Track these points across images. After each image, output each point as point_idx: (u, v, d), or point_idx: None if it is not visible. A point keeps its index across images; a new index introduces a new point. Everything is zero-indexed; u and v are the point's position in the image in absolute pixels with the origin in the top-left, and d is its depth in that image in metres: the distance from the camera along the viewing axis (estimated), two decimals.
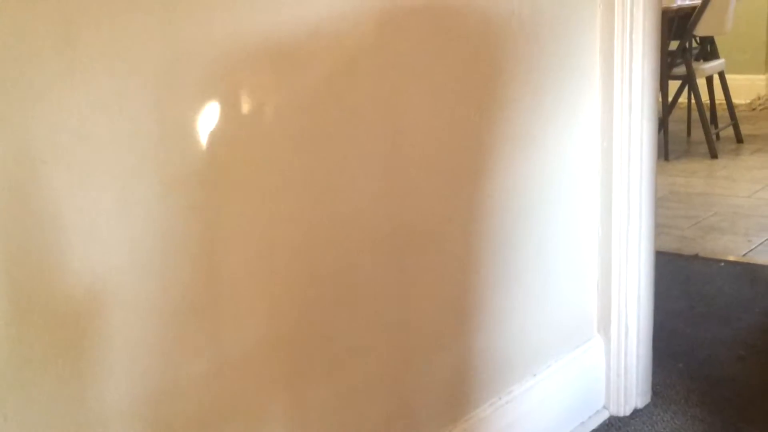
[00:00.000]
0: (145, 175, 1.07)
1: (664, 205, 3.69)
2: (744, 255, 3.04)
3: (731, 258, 3.02)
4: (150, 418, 1.12)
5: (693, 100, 4.81)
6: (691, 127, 5.20)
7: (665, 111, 4.71)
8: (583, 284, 1.93)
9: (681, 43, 4.69)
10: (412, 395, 1.52)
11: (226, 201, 1.17)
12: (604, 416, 1.96)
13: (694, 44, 4.86)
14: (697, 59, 4.89)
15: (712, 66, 4.89)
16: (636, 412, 1.98)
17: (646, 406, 2.01)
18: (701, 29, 4.66)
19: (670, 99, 4.79)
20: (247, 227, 1.20)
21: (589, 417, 1.94)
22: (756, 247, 3.11)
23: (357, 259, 1.38)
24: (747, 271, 2.89)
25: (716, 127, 5.05)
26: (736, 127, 5.00)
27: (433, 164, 1.49)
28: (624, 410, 1.98)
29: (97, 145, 1.02)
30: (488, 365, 1.68)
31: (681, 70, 4.71)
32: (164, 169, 1.09)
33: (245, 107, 1.18)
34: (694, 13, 4.63)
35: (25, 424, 0.99)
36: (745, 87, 6.17)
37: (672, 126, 4.84)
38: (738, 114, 5.08)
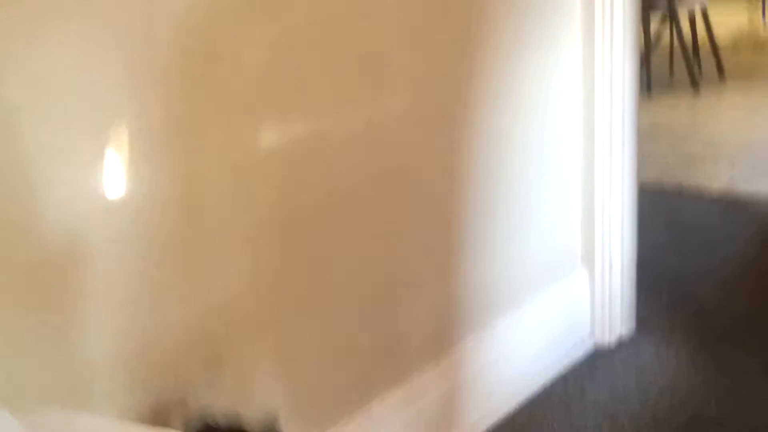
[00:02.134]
0: (123, 123, 1.06)
1: (647, 138, 3.69)
2: (727, 185, 3.05)
3: (714, 188, 3.03)
4: (138, 365, 1.12)
5: (675, 35, 4.79)
6: (674, 64, 5.18)
7: (647, 47, 4.69)
8: (566, 217, 1.94)
9: None
10: (398, 331, 1.54)
11: (207, 148, 1.16)
12: (590, 346, 1.99)
13: None
14: None
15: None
16: (621, 342, 2.01)
17: (631, 336, 2.03)
18: None
19: (653, 34, 4.76)
20: (229, 173, 1.20)
21: (575, 346, 1.96)
22: (738, 177, 3.13)
23: (339, 202, 1.38)
24: (729, 200, 2.91)
25: (699, 62, 5.03)
26: (718, 61, 4.99)
27: (414, 105, 1.48)
28: (609, 339, 2.00)
29: (74, 94, 1.00)
30: (473, 299, 1.69)
31: (663, 3, 4.68)
32: (143, 118, 1.08)
33: (222, 55, 1.16)
34: None
35: (10, 374, 0.99)
36: (727, 21, 6.14)
37: (655, 61, 4.82)
38: (720, 48, 5.06)
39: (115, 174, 1.06)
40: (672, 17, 4.69)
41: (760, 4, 6.24)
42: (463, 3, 1.55)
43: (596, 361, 1.93)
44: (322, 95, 1.32)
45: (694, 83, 4.63)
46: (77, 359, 1.05)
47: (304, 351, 1.37)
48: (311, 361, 1.38)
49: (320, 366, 1.40)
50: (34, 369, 1.01)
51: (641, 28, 4.54)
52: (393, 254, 1.50)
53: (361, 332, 1.46)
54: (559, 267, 1.93)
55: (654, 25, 4.78)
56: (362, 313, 1.46)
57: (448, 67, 1.54)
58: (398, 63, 1.44)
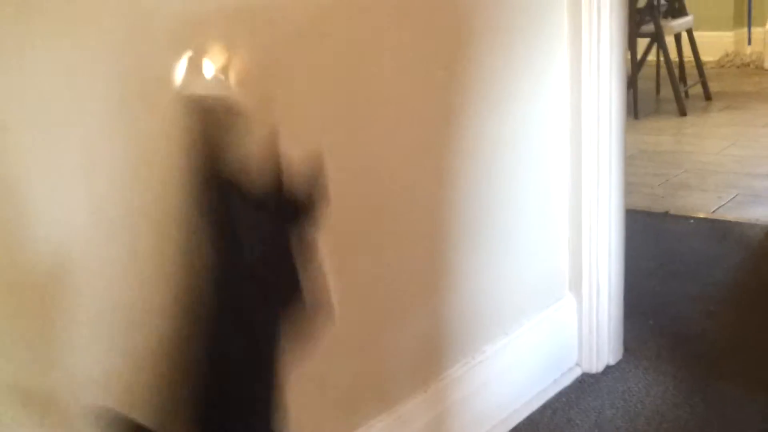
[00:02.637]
0: (110, 138, 1.04)
1: (633, 163, 3.70)
2: (713, 212, 3.06)
3: (701, 215, 3.04)
4: (124, 384, 1.10)
5: (662, 58, 4.82)
6: (660, 85, 5.21)
7: (634, 69, 4.71)
8: (554, 243, 1.93)
9: (649, 0, 4.68)
10: (383, 358, 1.52)
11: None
12: (577, 373, 1.98)
13: (663, 1, 4.85)
14: (665, 16, 4.88)
15: (680, 23, 4.88)
16: (608, 369, 2.00)
17: (618, 363, 2.02)
18: None
19: (639, 57, 4.79)
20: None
21: (562, 374, 1.95)
22: (725, 204, 3.13)
23: (324, 221, 1.36)
24: (716, 227, 2.91)
25: (685, 84, 5.06)
26: (704, 84, 5.01)
27: (399, 124, 1.48)
28: (596, 367, 1.99)
29: (60, 109, 0.99)
30: (460, 326, 1.68)
31: (649, 27, 4.70)
32: (130, 132, 1.06)
33: (211, 66, 1.15)
34: None
35: None
36: (713, 44, 6.19)
37: (641, 84, 4.84)
38: (706, 71, 5.09)
39: (100, 192, 1.04)
40: (659, 41, 4.71)
41: (746, 28, 6.29)
42: (450, 24, 1.54)
43: (583, 388, 1.92)
44: (304, 113, 1.31)
45: (681, 106, 4.65)
46: (62, 378, 1.03)
47: (289, 375, 1.35)
48: (294, 388, 1.36)
49: (304, 393, 1.38)
50: (16, 389, 0.99)
51: (628, 51, 4.56)
52: (377, 279, 1.48)
53: (346, 359, 1.44)
54: (546, 294, 1.92)
55: (640, 49, 4.80)
56: (346, 339, 1.44)
57: (432, 89, 1.53)
58: (383, 87, 1.43)
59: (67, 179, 1.01)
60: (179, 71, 1.04)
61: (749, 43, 6.27)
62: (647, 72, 5.08)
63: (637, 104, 4.70)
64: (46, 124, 0.98)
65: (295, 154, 1.04)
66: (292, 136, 1.28)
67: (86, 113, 1.02)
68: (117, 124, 1.05)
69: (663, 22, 4.74)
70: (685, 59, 5.10)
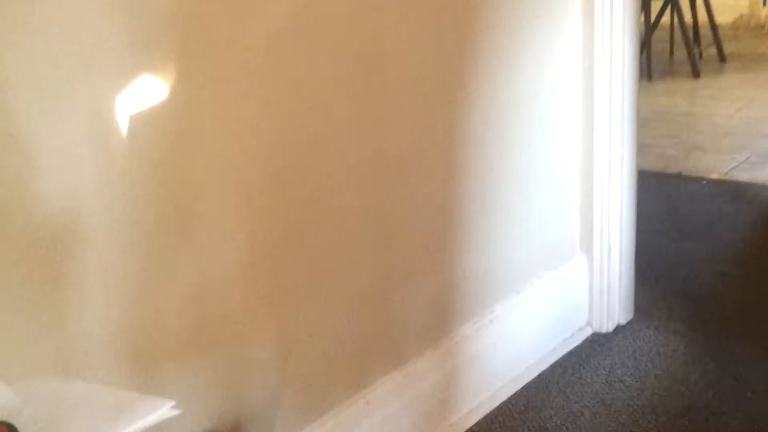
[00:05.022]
0: (118, 93, 1.04)
1: (647, 125, 3.68)
2: (726, 173, 3.05)
3: (714, 176, 3.02)
4: (133, 343, 1.11)
5: (676, 20, 4.77)
6: (674, 47, 5.17)
7: (648, 30, 4.67)
8: (565, 204, 1.93)
9: None
10: (396, 316, 1.53)
11: (202, 124, 1.15)
12: (588, 333, 1.98)
13: None
14: None
15: None
16: (619, 329, 2.00)
17: (629, 323, 2.03)
18: None
19: (653, 19, 4.74)
20: (224, 150, 1.18)
21: (573, 334, 1.96)
22: (738, 165, 3.12)
23: (336, 183, 1.37)
24: (729, 188, 2.90)
25: (699, 46, 5.01)
26: (718, 46, 4.97)
27: (412, 89, 1.47)
28: (607, 327, 2.00)
29: (68, 64, 0.99)
30: (471, 285, 1.68)
31: None
32: (138, 96, 1.07)
33: (218, 31, 1.15)
34: None
35: (2, 351, 0.99)
36: (728, 6, 6.12)
37: (655, 46, 4.80)
38: (721, 33, 5.04)
39: (109, 153, 1.05)
40: (673, 2, 4.66)
41: None
42: None
43: (594, 348, 1.93)
44: (319, 78, 1.31)
45: (695, 68, 4.61)
46: (71, 338, 1.04)
47: (301, 334, 1.36)
48: (308, 344, 1.38)
49: (317, 349, 1.39)
50: (26, 340, 1.00)
51: (642, 13, 4.52)
52: (391, 239, 1.49)
53: (359, 316, 1.45)
54: (557, 253, 1.92)
55: (654, 11, 4.76)
56: (360, 297, 1.45)
57: (444, 55, 1.53)
58: (394, 50, 1.43)
59: (75, 134, 1.01)
60: None
61: (764, 4, 6.19)
62: (661, 34, 5.04)
63: (651, 66, 4.66)
64: (54, 79, 0.98)
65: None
66: (309, 109, 1.28)
67: (94, 68, 1.02)
68: (125, 78, 1.05)
69: None
70: (700, 21, 5.05)
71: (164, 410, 0.77)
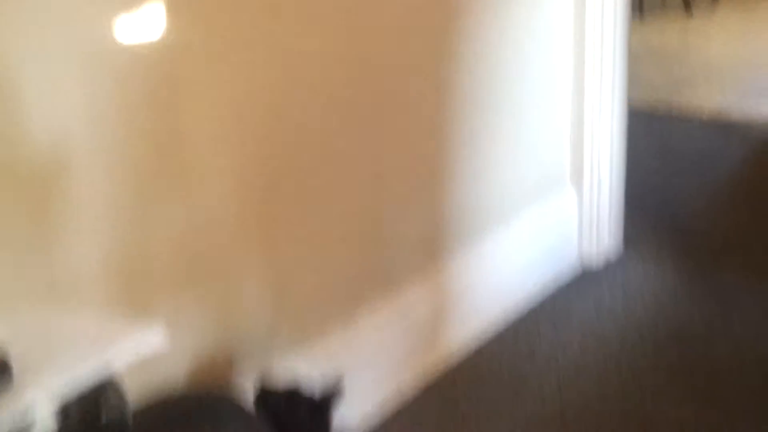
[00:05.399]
0: (109, 40, 1.03)
1: (639, 62, 3.65)
2: (718, 109, 3.04)
3: (706, 112, 3.01)
4: (124, 277, 1.11)
5: None
6: None
7: None
8: (556, 137, 1.92)
9: None
10: (387, 247, 1.53)
11: (193, 62, 1.13)
12: (577, 265, 1.99)
13: None
14: None
15: None
16: (608, 261, 2.01)
17: (619, 257, 2.03)
18: None
19: None
20: (213, 89, 1.17)
21: (563, 266, 1.96)
22: (730, 102, 3.11)
23: (327, 117, 1.35)
24: (720, 124, 2.90)
25: None
26: None
27: (403, 21, 1.46)
28: (596, 259, 2.00)
29: (56, 9, 0.97)
30: (462, 216, 1.68)
31: None
32: (129, 33, 1.05)
33: None
34: None
35: None
36: None
37: None
38: None
39: (99, 92, 1.04)
40: None
41: None
42: None
43: (583, 279, 1.94)
44: (306, 14, 1.29)
45: (687, 5, 4.57)
46: (62, 274, 1.04)
47: (292, 265, 1.36)
48: (299, 275, 1.38)
49: (309, 280, 1.39)
50: (17, 274, 1.00)
51: None
52: (382, 171, 1.49)
53: (350, 247, 1.46)
54: (547, 186, 1.92)
55: None
56: (351, 228, 1.45)
57: None
58: None
59: (65, 72, 1.00)
60: None
61: None
62: None
63: (643, 4, 4.62)
64: (42, 18, 0.97)
65: None
66: (299, 42, 1.27)
67: (83, 11, 1.00)
68: (115, 16, 1.04)
69: None
70: None
71: (154, 339, 0.77)
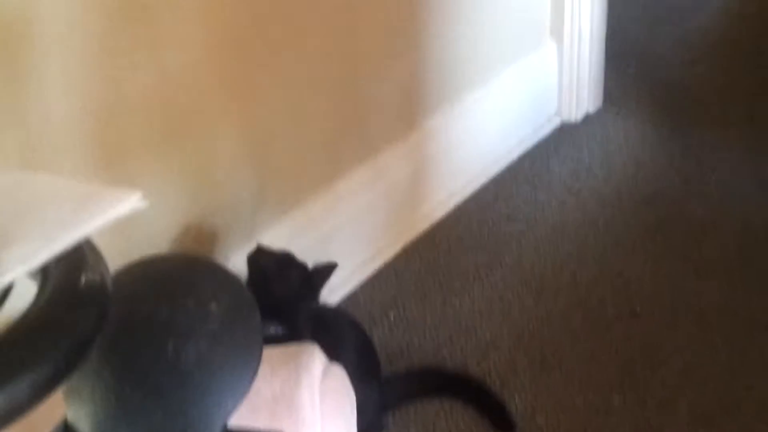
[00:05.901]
0: None
1: None
2: None
3: None
4: (97, 135, 1.07)
5: None
6: None
7: None
8: None
9: None
10: (363, 105, 1.50)
11: None
12: (557, 122, 1.96)
13: None
14: None
15: None
16: (588, 117, 1.99)
17: (598, 111, 2.01)
18: None
19: None
20: None
21: (542, 123, 1.94)
22: None
23: None
24: None
25: None
26: None
27: None
28: (576, 115, 1.98)
29: None
30: (439, 75, 1.64)
31: None
32: None
33: None
34: None
35: None
36: None
37: None
38: None
39: None
40: None
41: None
42: None
43: (562, 137, 1.92)
44: None
45: None
46: (33, 128, 1.00)
47: (269, 126, 1.33)
48: (276, 136, 1.35)
49: (285, 143, 1.37)
50: None
51: None
52: (359, 28, 1.43)
53: (326, 108, 1.42)
54: (527, 40, 1.87)
55: None
56: (327, 88, 1.41)
57: None
58: None
59: None
60: None
61: None
62: None
63: None
64: None
65: None
66: None
67: None
68: None
69: None
70: None
71: (132, 201, 0.73)
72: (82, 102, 1.04)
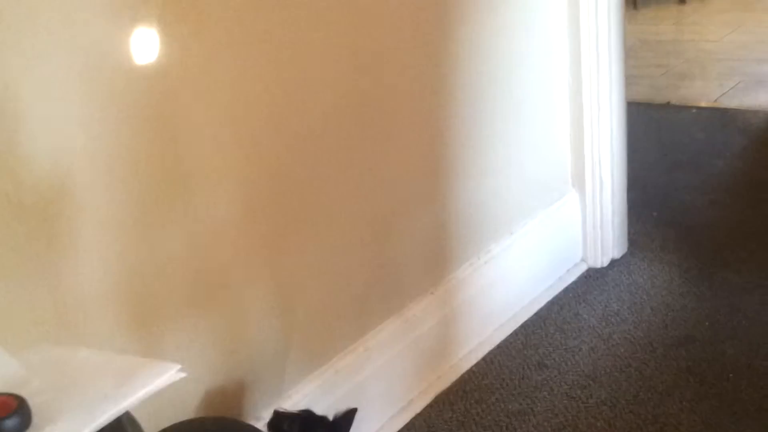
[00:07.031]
0: (104, 52, 1.03)
1: (634, 54, 3.65)
2: (715, 100, 3.03)
3: (703, 104, 3.01)
4: (131, 301, 1.11)
5: None
6: None
7: None
8: (556, 139, 1.92)
9: None
10: (392, 260, 1.53)
11: (190, 74, 1.13)
12: (583, 269, 1.99)
13: None
14: None
15: None
16: (613, 263, 2.01)
17: (623, 256, 2.03)
18: None
19: None
20: (213, 99, 1.16)
21: (568, 270, 1.97)
22: (727, 92, 3.11)
23: (328, 127, 1.35)
24: (718, 116, 2.89)
25: None
26: None
27: (397, 24, 1.45)
28: (601, 261, 2.00)
29: (51, 27, 0.97)
30: (466, 226, 1.68)
31: None
32: (124, 46, 1.05)
33: None
34: None
35: (2, 312, 0.98)
36: None
37: None
38: None
39: (96, 109, 1.03)
40: None
41: None
42: None
43: (589, 283, 1.94)
44: (303, 22, 1.28)
45: None
46: (69, 295, 1.04)
47: (299, 284, 1.36)
48: (306, 294, 1.38)
49: (315, 299, 1.39)
50: (26, 306, 0.99)
51: None
52: (384, 180, 1.48)
53: (355, 263, 1.45)
54: (550, 191, 1.92)
55: None
56: (355, 243, 1.45)
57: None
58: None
59: (62, 92, 0.99)
60: None
61: None
62: None
63: None
64: (42, 41, 0.96)
65: None
66: (298, 37, 1.26)
67: (78, 23, 0.99)
68: (110, 33, 1.03)
69: None
70: None
71: (171, 374, 0.76)
72: (115, 267, 1.08)
